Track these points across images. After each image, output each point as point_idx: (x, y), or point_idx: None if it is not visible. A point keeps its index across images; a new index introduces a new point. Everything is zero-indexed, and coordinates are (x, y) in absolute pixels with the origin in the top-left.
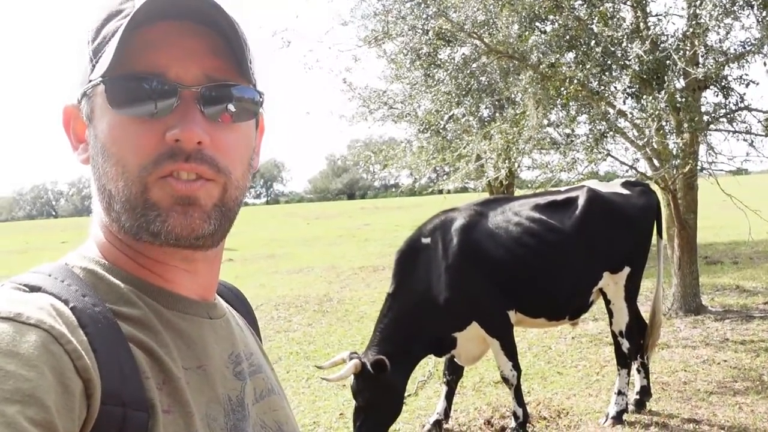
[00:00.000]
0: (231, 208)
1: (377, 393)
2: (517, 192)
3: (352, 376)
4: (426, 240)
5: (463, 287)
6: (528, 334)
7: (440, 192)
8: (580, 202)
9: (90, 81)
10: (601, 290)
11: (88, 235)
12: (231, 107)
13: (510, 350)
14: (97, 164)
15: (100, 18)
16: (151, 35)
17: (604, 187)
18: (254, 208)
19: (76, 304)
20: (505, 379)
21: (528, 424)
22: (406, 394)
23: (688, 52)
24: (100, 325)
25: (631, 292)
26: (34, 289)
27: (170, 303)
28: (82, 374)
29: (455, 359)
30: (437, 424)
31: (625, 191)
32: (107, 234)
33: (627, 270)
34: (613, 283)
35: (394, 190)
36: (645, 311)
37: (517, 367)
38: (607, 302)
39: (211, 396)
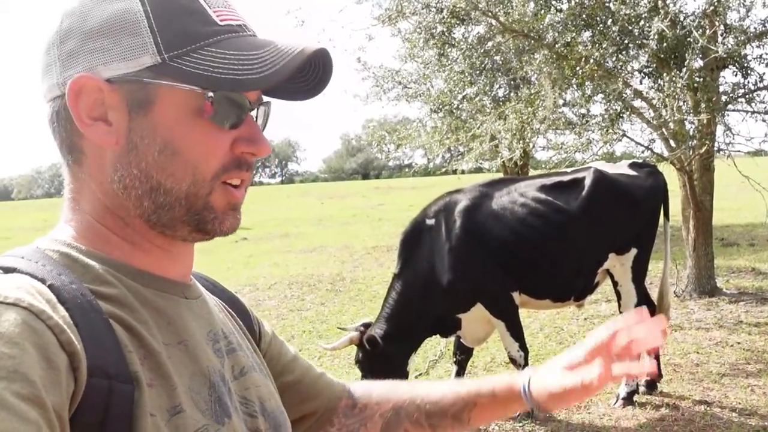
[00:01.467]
0: None
1: (376, 366)
2: (532, 173)
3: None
4: (430, 221)
5: (466, 269)
6: (540, 315)
7: (454, 172)
8: (586, 182)
9: (147, 70)
10: (608, 272)
11: (59, 219)
12: (263, 120)
13: (516, 331)
14: (146, 154)
15: (163, 7)
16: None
17: (610, 168)
18: (269, 187)
19: (53, 281)
20: (513, 360)
21: None
22: (416, 373)
23: (707, 31)
24: (78, 301)
25: (639, 273)
26: (8, 270)
27: (147, 282)
28: (66, 348)
29: (462, 340)
30: None
31: (632, 172)
32: (103, 216)
33: (634, 251)
34: (619, 265)
35: (407, 170)
36: (655, 294)
37: (524, 347)
38: (615, 284)
39: (194, 369)
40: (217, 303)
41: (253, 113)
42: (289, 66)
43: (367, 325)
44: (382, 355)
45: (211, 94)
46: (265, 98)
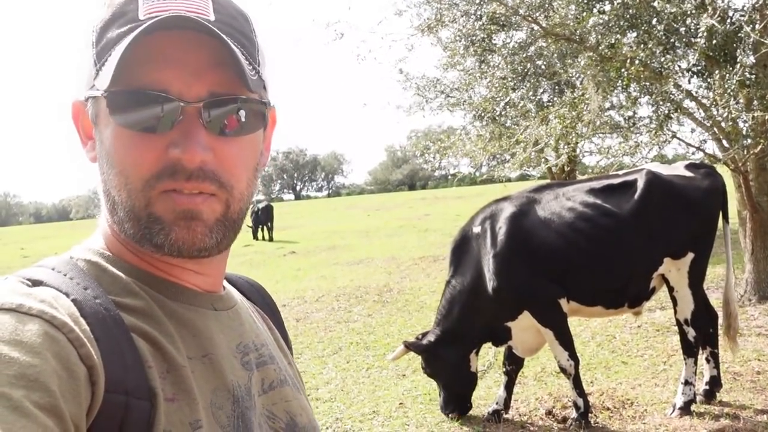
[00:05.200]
0: (235, 220)
1: (439, 370)
2: (579, 178)
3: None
4: (477, 229)
5: (511, 276)
6: (591, 323)
7: (500, 180)
8: (639, 185)
9: (93, 86)
10: (663, 277)
11: (96, 226)
12: (240, 121)
13: (565, 340)
14: (103, 168)
15: (105, 18)
16: (152, 46)
17: (665, 170)
18: (316, 201)
19: (77, 296)
20: (563, 370)
21: (590, 415)
22: None
23: (758, 25)
24: (101, 316)
25: (696, 278)
26: (36, 283)
27: (174, 294)
28: (86, 361)
29: (514, 350)
30: (497, 414)
31: (689, 173)
32: (111, 229)
33: (690, 256)
34: (675, 270)
35: (450, 178)
36: (716, 299)
37: (573, 356)
38: (671, 289)
39: (218, 384)
40: (255, 311)
41: (200, 113)
42: (123, 48)
43: (425, 335)
44: (441, 359)
45: (102, 94)
46: (243, 96)
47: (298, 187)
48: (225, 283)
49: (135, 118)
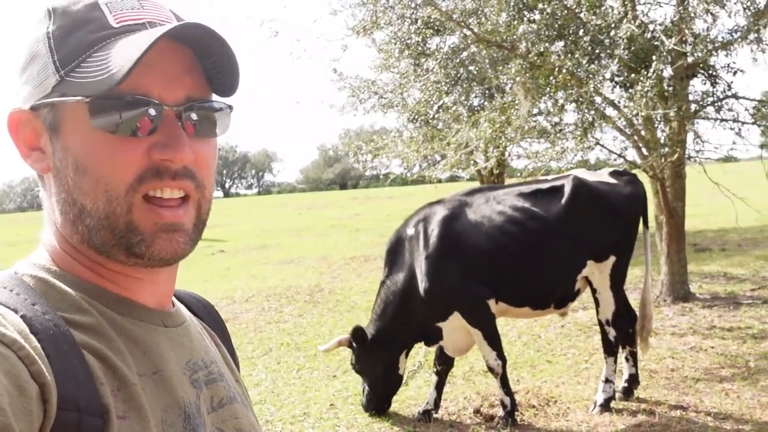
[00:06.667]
0: (204, 220)
1: (368, 367)
2: (508, 181)
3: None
4: (410, 231)
5: (442, 277)
6: (518, 323)
7: (431, 181)
8: (566, 190)
9: (53, 93)
10: (587, 279)
11: (39, 241)
12: (210, 124)
13: (493, 340)
14: (66, 177)
15: (62, 26)
16: None
17: (591, 176)
18: (246, 198)
19: (26, 312)
20: (491, 369)
21: (516, 413)
22: None
23: (675, 39)
24: (51, 332)
25: (617, 280)
26: None
27: (124, 310)
28: (37, 379)
29: (444, 350)
30: (427, 413)
31: (612, 180)
32: (62, 242)
33: (612, 259)
34: (598, 272)
35: (382, 178)
36: (634, 300)
37: (501, 356)
38: (593, 291)
39: (169, 401)
40: (203, 329)
41: (180, 116)
42: (140, 51)
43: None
44: (372, 357)
45: (86, 99)
46: (217, 98)
47: (227, 185)
48: (174, 299)
49: (118, 122)
